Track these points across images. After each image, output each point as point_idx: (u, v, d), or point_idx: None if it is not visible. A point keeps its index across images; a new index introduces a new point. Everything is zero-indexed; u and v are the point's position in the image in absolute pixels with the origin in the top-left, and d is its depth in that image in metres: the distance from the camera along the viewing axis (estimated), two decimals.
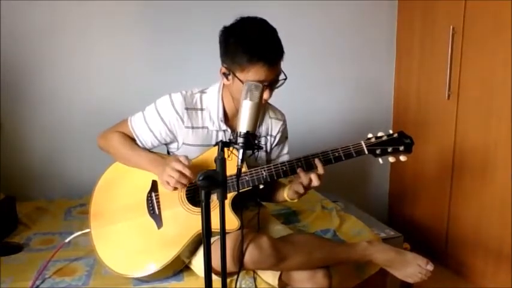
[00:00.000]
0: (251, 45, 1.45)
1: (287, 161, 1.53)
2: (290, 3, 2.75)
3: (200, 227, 1.48)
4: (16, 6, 2.37)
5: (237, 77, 1.48)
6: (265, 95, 1.47)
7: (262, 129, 1.72)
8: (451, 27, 2.47)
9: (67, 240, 1.71)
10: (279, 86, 1.53)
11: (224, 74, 1.53)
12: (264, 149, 1.73)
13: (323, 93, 2.98)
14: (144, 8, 2.57)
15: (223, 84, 1.61)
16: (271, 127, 1.73)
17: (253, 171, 1.52)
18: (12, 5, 2.36)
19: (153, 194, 1.61)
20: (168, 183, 1.52)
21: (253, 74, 1.45)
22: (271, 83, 1.49)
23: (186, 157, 1.53)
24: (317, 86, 2.94)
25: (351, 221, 2.11)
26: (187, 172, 1.49)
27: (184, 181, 1.51)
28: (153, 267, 1.52)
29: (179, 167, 1.49)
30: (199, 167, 1.53)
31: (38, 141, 2.53)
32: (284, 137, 1.78)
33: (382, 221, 2.37)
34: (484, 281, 2.41)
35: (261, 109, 1.34)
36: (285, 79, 1.52)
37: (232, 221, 1.47)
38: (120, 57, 2.59)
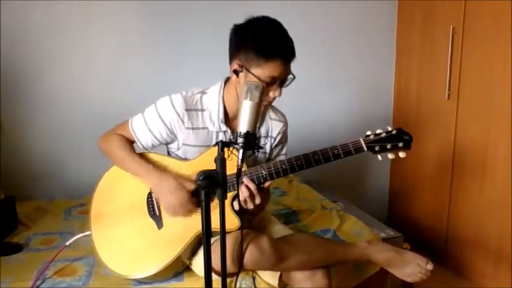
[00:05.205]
0: (270, 42, 1.47)
1: (287, 160, 1.51)
2: (290, 3, 2.75)
3: (200, 227, 1.51)
4: (16, 6, 2.36)
5: (252, 73, 1.48)
6: (276, 92, 1.51)
7: (263, 130, 1.71)
8: (451, 27, 2.47)
9: (68, 243, 1.70)
10: (287, 85, 1.55)
11: (235, 71, 1.52)
12: (263, 150, 1.72)
13: (323, 94, 2.98)
14: (144, 8, 2.57)
15: (227, 84, 1.62)
16: (271, 128, 1.72)
17: (253, 171, 1.51)
18: (12, 5, 2.36)
19: (153, 195, 1.61)
20: (171, 210, 1.55)
21: (270, 70, 1.47)
22: (282, 81, 1.52)
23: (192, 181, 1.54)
24: (317, 86, 2.94)
25: (351, 221, 2.11)
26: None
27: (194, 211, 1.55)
28: (154, 268, 1.52)
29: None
30: (197, 168, 1.53)
31: (38, 141, 2.53)
32: (284, 138, 1.77)
33: (382, 221, 2.36)
34: (484, 280, 2.41)
35: (261, 109, 1.33)
36: (293, 78, 1.54)
37: (233, 221, 1.47)
38: (120, 57, 2.59)
